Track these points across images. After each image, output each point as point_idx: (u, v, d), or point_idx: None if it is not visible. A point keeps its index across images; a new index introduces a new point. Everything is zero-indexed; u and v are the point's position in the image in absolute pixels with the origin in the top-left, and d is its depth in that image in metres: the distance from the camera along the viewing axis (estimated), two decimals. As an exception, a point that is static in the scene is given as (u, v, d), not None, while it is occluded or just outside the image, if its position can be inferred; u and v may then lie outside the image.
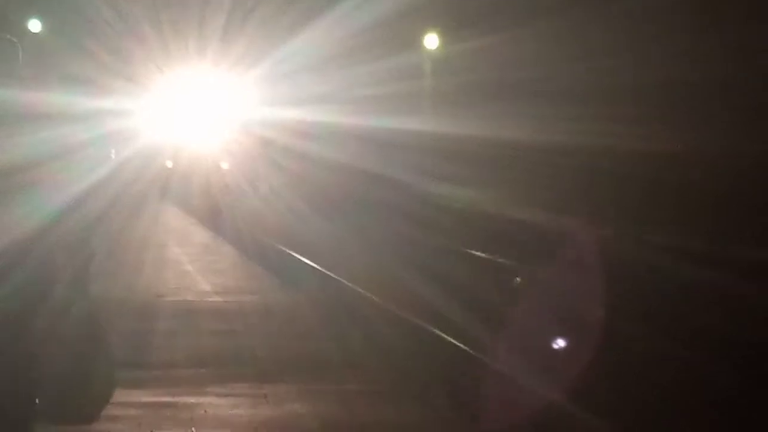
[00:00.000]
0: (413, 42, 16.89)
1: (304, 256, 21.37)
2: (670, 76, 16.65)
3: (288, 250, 22.47)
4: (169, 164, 29.75)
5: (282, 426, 8.80)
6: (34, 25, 18.13)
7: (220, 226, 28.25)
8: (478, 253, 21.62)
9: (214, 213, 28.63)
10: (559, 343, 13.19)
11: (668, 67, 16.85)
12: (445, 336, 12.36)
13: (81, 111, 21.00)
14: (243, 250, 24.64)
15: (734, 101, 17.05)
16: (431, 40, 17.10)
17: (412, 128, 16.91)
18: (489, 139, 17.44)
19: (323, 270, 19.40)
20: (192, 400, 9.72)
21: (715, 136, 16.25)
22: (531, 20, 15.72)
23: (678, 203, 18.86)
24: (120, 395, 9.73)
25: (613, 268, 17.47)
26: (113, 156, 24.93)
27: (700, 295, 15.53)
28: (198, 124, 22.18)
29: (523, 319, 14.12)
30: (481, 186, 20.29)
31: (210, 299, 17.62)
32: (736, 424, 10.21)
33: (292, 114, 19.26)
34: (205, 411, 9.36)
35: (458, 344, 11.88)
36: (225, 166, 26.87)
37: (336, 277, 18.31)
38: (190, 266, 22.45)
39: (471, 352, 11.44)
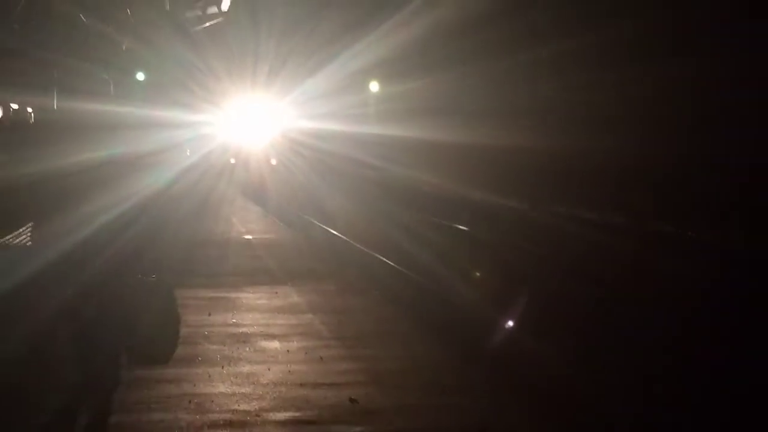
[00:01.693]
0: (365, 86, 24.37)
1: (309, 216, 25.31)
2: (540, 97, 20.05)
3: (300, 212, 26.11)
4: (233, 160, 35.18)
5: (287, 309, 11.53)
6: (140, 76, 24.40)
7: (261, 200, 31.08)
8: (420, 215, 23.88)
9: (260, 193, 32.49)
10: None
11: (539, 92, 20.11)
12: (387, 261, 15.95)
13: (181, 122, 28.30)
14: (271, 212, 27.49)
15: (594, 110, 19.23)
16: (374, 86, 24.35)
17: (370, 132, 24.28)
18: (415, 140, 22.25)
19: (319, 224, 23.37)
20: (232, 295, 12.44)
21: (586, 136, 18.83)
22: (435, 72, 20.74)
23: (560, 184, 20.83)
24: (190, 292, 12.45)
25: (524, 229, 20.79)
26: (188, 154, 30.11)
27: (582, 244, 18.37)
28: (253, 132, 29.02)
29: (432, 256, 16.98)
30: (414, 169, 24.60)
31: (244, 237, 21.19)
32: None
33: (312, 124, 27.48)
34: (241, 301, 12.07)
35: (393, 264, 15.57)
36: (273, 161, 32.68)
37: (327, 228, 22.30)
38: (234, 218, 25.64)
39: (403, 271, 15.02)
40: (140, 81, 25.60)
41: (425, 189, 24.74)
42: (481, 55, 20.30)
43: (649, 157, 17.96)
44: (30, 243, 16.56)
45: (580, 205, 19.32)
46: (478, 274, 16.12)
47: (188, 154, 30.70)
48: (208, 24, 26.84)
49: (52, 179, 16.34)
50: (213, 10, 26.15)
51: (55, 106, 17.69)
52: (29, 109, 17.45)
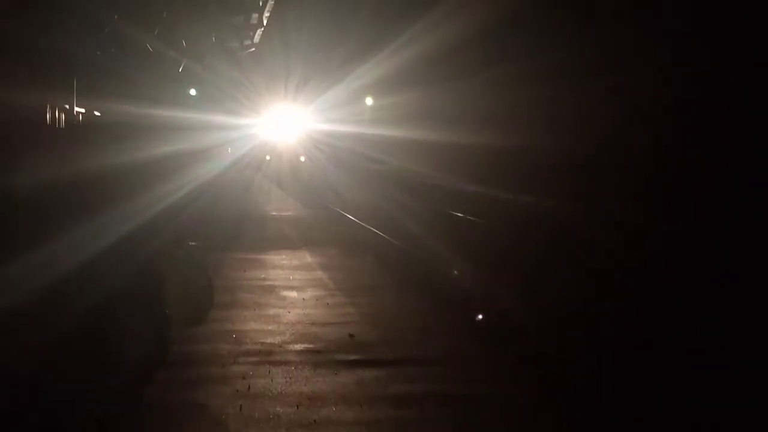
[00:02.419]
0: (363, 99, 24.03)
1: (324, 199, 24.26)
2: (498, 108, 20.06)
3: (316, 197, 24.85)
4: (268, 157, 34.08)
5: (303, 267, 11.40)
6: (192, 91, 24.25)
7: (286, 187, 29.55)
8: (409, 197, 22.61)
9: (288, 181, 30.89)
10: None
11: (497, 104, 20.00)
12: (383, 234, 15.11)
13: (230, 125, 28.02)
14: (294, 196, 25.94)
15: (537, 118, 19.66)
16: (369, 100, 23.83)
17: (368, 133, 23.97)
18: (402, 138, 21.96)
19: (331, 206, 22.21)
20: (260, 256, 12.32)
21: (529, 137, 18.47)
22: (416, 89, 20.49)
23: (510, 173, 20.19)
24: (226, 255, 12.36)
25: (484, 208, 19.51)
26: (230, 151, 29.75)
27: (523, 217, 17.83)
28: (285, 133, 28.74)
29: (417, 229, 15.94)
30: (402, 161, 24.28)
31: (271, 213, 20.56)
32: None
33: (328, 127, 26.99)
34: (268, 261, 11.94)
35: (388, 238, 14.71)
36: (302, 158, 31.37)
37: (335, 208, 21.14)
38: (260, 200, 24.71)
39: (393, 241, 14.37)
40: (193, 95, 25.55)
41: (412, 176, 23.83)
42: (453, 76, 20.16)
43: (574, 154, 17.95)
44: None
45: (524, 190, 19.19)
46: (447, 242, 15.91)
47: (229, 151, 30.40)
48: (247, 52, 26.54)
49: (133, 168, 16.24)
50: (248, 42, 25.70)
51: (132, 112, 17.72)
52: (113, 114, 17.49)
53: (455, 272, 12.00)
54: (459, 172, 20.70)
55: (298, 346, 6.73)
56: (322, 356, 6.41)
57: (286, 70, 29.29)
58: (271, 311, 8.23)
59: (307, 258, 12.40)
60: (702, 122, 15.83)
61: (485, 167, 20.26)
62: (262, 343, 6.81)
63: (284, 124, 30.53)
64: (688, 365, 6.10)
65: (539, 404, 5.41)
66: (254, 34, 24.75)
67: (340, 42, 25.60)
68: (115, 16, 14.40)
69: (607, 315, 7.87)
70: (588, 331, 7.33)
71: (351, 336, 7.07)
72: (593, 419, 5.11)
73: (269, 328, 7.45)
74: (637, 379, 5.83)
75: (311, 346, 6.75)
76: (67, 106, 15.93)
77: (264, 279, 10.35)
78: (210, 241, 13.93)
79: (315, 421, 4.85)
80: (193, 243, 13.62)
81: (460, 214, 19.09)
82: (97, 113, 17.34)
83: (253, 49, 26.35)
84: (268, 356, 6.40)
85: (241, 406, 5.12)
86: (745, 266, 10.13)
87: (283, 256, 12.56)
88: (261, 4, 20.97)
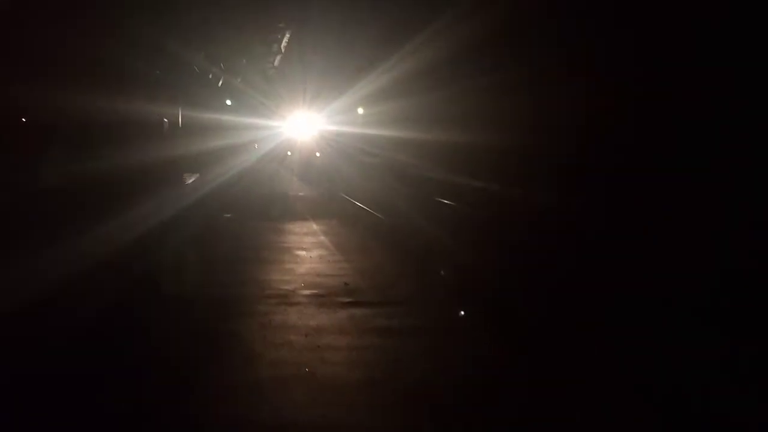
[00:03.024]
0: (356, 108, 23.21)
1: (332, 186, 23.01)
2: (469, 111, 19.38)
3: (327, 183, 23.81)
4: (289, 153, 32.34)
5: (310, 233, 11.40)
6: (228, 102, 23.61)
7: (303, 176, 28.32)
8: (399, 184, 21.52)
9: (304, 171, 28.99)
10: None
11: (469, 109, 19.33)
12: (375, 213, 14.76)
13: (258, 125, 26.96)
14: (307, 183, 25.54)
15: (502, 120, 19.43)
16: (360, 109, 23.24)
17: (365, 132, 23.19)
18: (391, 136, 21.05)
19: (335, 191, 21.61)
20: (279, 225, 12.34)
21: (496, 136, 18.46)
22: (401, 99, 20.00)
23: (480, 166, 19.85)
24: (252, 223, 12.50)
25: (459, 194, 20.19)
26: (256, 147, 29.25)
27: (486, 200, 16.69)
28: (303, 134, 28.02)
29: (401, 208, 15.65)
30: (395, 155, 22.32)
31: (289, 193, 20.65)
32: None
33: (337, 128, 25.97)
34: (284, 228, 11.98)
35: (377, 215, 14.48)
36: (318, 154, 29.21)
37: (340, 192, 20.68)
38: (280, 185, 24.15)
39: (379, 215, 14.36)
40: (229, 104, 25.19)
41: (401, 167, 22.22)
42: (433, 87, 19.64)
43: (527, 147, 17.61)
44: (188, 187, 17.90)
45: (489, 178, 18.79)
46: (427, 218, 15.75)
47: (256, 147, 29.75)
48: (271, 70, 26.00)
49: (192, 157, 17.74)
50: (269, 64, 25.22)
51: (194, 116, 18.17)
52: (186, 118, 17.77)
53: (431, 239, 12.08)
54: (442, 164, 19.94)
55: (307, 291, 6.74)
56: (325, 299, 6.42)
57: (303, 84, 28.11)
58: (287, 266, 8.23)
59: (313, 226, 12.38)
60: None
61: (460, 161, 19.70)
62: (279, 289, 6.81)
63: (302, 126, 28.69)
64: (586, 300, 6.16)
65: (485, 331, 5.50)
66: (275, 59, 24.56)
67: (346, 61, 24.75)
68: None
69: (534, 269, 8.03)
70: (521, 281, 7.50)
71: (346, 284, 7.08)
72: (524, 340, 5.23)
73: (285, 278, 7.45)
74: (554, 313, 5.97)
75: (316, 291, 6.75)
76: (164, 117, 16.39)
77: (281, 241, 10.35)
78: (244, 213, 14.05)
79: (319, 346, 4.90)
80: (228, 215, 13.68)
81: (444, 200, 18.89)
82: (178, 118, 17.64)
83: (275, 68, 25.90)
84: (284, 299, 6.42)
85: (265, 335, 5.23)
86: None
87: (295, 224, 12.55)
88: (279, 36, 20.85)
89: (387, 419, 3.71)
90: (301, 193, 21.33)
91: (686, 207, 8.73)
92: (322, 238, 10.96)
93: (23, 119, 9.76)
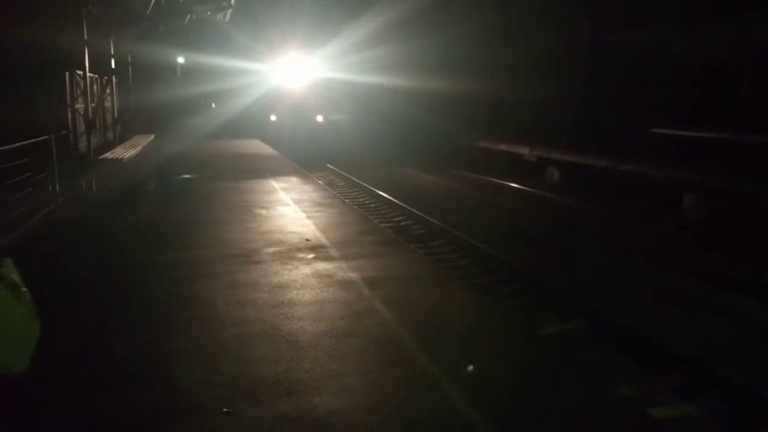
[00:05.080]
0: (351, 53, 20.98)
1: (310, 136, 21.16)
2: (454, 59, 18.28)
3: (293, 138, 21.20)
4: (273, 118, 24.69)
5: (270, 191, 11.09)
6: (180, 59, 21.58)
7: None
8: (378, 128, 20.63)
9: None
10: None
11: (455, 56, 18.23)
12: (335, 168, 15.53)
13: (248, 68, 22.67)
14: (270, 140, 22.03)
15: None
16: (355, 54, 20.96)
17: (356, 80, 21.04)
18: (381, 84, 19.86)
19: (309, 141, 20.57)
20: (238, 184, 11.90)
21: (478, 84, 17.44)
22: (391, 44, 18.67)
23: (462, 111, 18.65)
24: (212, 182, 11.99)
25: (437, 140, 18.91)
26: (213, 106, 25.24)
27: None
28: (293, 79, 22.41)
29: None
30: (380, 101, 21.09)
31: (245, 153, 19.16)
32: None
33: (332, 75, 21.83)
34: (245, 185, 11.59)
35: (335, 168, 15.27)
36: (321, 118, 22.23)
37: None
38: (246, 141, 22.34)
39: (337, 169, 15.04)
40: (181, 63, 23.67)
41: (388, 112, 20.39)
42: (419, 33, 18.91)
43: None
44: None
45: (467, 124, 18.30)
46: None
47: (213, 107, 25.82)
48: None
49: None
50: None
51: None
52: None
53: (388, 191, 12.16)
54: (431, 110, 18.65)
55: (270, 249, 6.80)
56: (287, 255, 6.55)
57: (293, 25, 22.48)
58: (250, 224, 8.23)
59: (273, 184, 12.22)
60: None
61: (440, 104, 18.83)
62: (244, 248, 6.86)
63: (286, 74, 22.43)
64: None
65: (437, 279, 5.84)
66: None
67: (337, 8, 21.90)
68: None
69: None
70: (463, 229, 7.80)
71: (307, 240, 7.22)
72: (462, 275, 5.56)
73: (248, 236, 7.50)
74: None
75: (279, 248, 6.83)
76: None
77: (244, 200, 10.14)
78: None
79: (282, 302, 5.04)
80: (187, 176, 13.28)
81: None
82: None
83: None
84: (249, 257, 6.48)
85: (227, 294, 5.27)
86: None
87: (256, 182, 12.27)
88: None
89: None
90: (262, 155, 20.07)
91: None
92: (282, 195, 10.88)
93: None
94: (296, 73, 22.17)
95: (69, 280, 5.57)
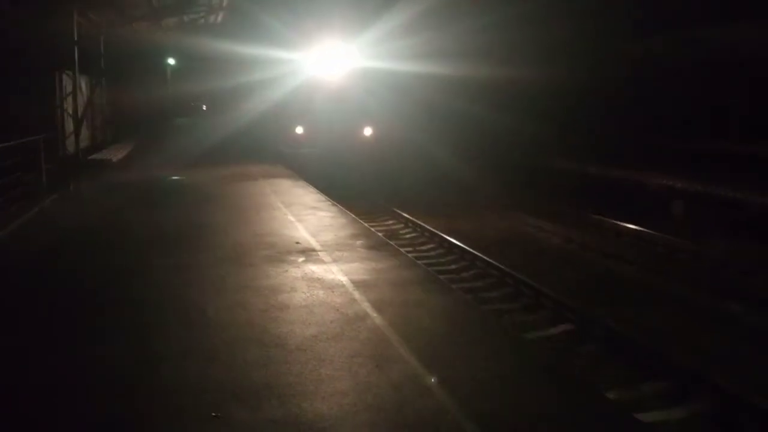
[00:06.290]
0: (385, 42, 15.38)
1: None
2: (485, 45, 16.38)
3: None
4: (299, 130, 16.73)
5: (263, 174, 10.87)
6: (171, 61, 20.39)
7: None
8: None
9: None
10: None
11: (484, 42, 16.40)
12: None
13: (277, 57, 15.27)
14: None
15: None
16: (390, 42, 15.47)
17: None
18: (416, 72, 15.43)
19: None
20: (228, 169, 11.47)
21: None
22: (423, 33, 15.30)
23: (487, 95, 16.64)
24: (214, 166, 11.73)
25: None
26: (204, 108, 23.72)
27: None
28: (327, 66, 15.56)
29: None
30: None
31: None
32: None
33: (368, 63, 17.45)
34: (237, 170, 11.36)
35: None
36: (369, 131, 15.95)
37: None
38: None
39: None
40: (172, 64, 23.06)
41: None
42: (448, 22, 17.32)
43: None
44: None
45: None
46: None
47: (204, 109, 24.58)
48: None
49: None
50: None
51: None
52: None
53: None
54: (458, 94, 16.49)
55: (262, 252, 6.74)
56: (278, 258, 6.48)
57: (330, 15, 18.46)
58: (240, 227, 8.12)
59: (257, 168, 11.99)
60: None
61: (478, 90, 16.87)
62: (235, 251, 6.80)
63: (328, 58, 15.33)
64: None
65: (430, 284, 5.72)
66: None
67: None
68: None
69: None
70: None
71: (297, 243, 7.16)
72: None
73: (244, 239, 7.38)
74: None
75: (271, 251, 6.77)
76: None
77: (231, 173, 10.35)
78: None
79: (273, 305, 4.98)
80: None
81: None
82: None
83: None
84: (240, 259, 6.44)
85: (219, 298, 5.19)
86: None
87: (249, 168, 12.52)
88: None
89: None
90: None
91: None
92: (260, 182, 10.75)
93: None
94: (333, 67, 15.19)
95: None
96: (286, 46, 14.97)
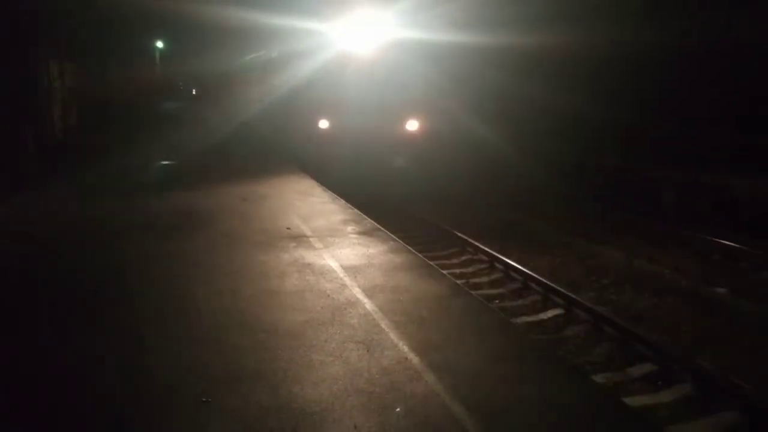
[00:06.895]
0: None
1: None
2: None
3: None
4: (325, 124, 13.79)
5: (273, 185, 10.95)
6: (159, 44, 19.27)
7: None
8: None
9: None
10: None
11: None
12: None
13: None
14: None
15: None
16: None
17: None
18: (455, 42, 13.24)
19: None
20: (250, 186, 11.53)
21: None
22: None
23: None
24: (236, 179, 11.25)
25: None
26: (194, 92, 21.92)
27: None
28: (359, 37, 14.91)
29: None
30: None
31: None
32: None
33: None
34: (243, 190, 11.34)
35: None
36: (415, 125, 11.25)
37: None
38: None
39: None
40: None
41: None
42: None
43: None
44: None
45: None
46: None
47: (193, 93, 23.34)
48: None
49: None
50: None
51: None
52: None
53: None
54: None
55: (256, 237, 6.77)
56: (270, 242, 6.51)
57: None
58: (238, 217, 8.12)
59: (266, 181, 11.90)
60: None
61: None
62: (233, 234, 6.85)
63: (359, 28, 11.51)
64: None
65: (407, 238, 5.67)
66: None
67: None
68: None
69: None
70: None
71: (288, 228, 7.14)
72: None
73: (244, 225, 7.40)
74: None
75: (263, 237, 6.78)
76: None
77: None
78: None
79: (265, 289, 4.98)
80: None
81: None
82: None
83: None
84: (237, 242, 6.49)
85: (215, 278, 5.21)
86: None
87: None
88: None
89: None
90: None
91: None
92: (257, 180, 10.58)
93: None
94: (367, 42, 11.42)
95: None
96: (306, 14, 11.80)
